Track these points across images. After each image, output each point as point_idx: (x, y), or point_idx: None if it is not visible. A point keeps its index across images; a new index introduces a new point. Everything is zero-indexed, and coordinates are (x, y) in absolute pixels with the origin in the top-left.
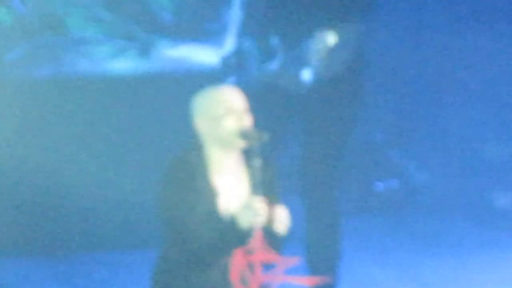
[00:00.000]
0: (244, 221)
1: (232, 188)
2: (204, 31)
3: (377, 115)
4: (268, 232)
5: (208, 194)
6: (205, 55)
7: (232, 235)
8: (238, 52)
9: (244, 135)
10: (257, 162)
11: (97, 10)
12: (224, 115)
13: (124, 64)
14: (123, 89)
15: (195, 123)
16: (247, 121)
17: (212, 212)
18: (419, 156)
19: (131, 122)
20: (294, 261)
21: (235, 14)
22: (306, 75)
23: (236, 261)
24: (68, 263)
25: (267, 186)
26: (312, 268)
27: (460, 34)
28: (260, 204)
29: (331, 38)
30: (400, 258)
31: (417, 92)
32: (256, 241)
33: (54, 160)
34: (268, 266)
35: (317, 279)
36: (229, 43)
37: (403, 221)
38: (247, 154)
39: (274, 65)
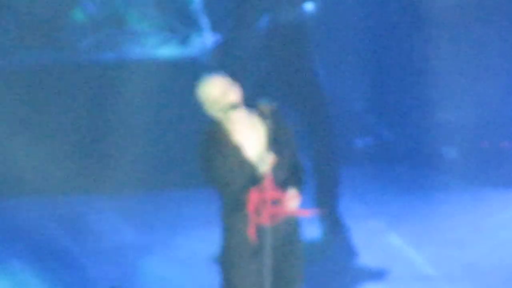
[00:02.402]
0: (257, 169)
1: (251, 143)
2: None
3: (357, 90)
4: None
5: (233, 150)
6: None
7: (250, 178)
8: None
9: (233, 106)
10: (267, 123)
11: (148, 9)
12: (212, 100)
13: (168, 51)
14: (168, 69)
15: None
16: (233, 95)
17: (236, 162)
18: (389, 120)
19: (174, 94)
20: (296, 197)
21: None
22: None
23: (252, 198)
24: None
25: (282, 143)
26: (319, 203)
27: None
28: (267, 157)
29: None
30: (373, 196)
31: (389, 71)
32: (267, 183)
33: (125, 121)
34: (275, 202)
35: (314, 212)
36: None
37: (376, 170)
38: (261, 117)
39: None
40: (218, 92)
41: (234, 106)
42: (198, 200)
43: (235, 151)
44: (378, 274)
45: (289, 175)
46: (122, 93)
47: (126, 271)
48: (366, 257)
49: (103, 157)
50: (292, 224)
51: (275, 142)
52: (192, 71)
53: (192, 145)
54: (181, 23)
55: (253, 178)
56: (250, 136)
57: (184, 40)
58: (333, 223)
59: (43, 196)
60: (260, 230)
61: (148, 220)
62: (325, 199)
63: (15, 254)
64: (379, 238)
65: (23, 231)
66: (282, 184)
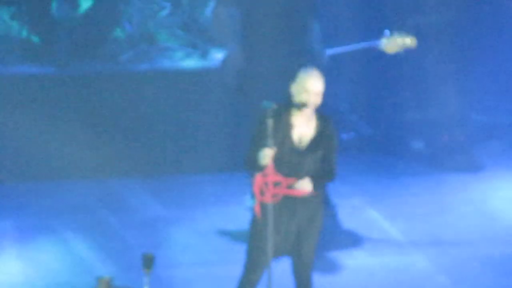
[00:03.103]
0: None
1: (302, 128)
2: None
3: (342, 93)
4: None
5: (286, 128)
6: None
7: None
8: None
9: (300, 106)
10: (318, 125)
11: (175, 30)
12: (303, 91)
13: (191, 63)
14: (191, 78)
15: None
16: (317, 99)
17: (286, 140)
18: (368, 118)
19: (195, 97)
20: (292, 180)
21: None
22: None
23: (257, 181)
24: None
25: (322, 146)
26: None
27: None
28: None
29: None
30: (356, 178)
31: (369, 76)
32: (269, 169)
33: (156, 119)
34: (276, 183)
35: (303, 191)
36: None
37: (358, 158)
38: (317, 119)
39: None
40: (317, 88)
41: (306, 104)
42: (216, 182)
43: (288, 129)
44: (359, 242)
45: (317, 173)
46: (154, 96)
47: (156, 240)
48: (350, 228)
49: (138, 147)
50: (314, 208)
51: (316, 143)
52: (210, 79)
53: (211, 138)
54: (201, 41)
55: (292, 157)
56: (302, 127)
57: (204, 54)
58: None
59: (90, 179)
60: (263, 207)
61: (174, 198)
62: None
63: (69, 226)
64: (360, 212)
65: (75, 208)
66: (310, 176)
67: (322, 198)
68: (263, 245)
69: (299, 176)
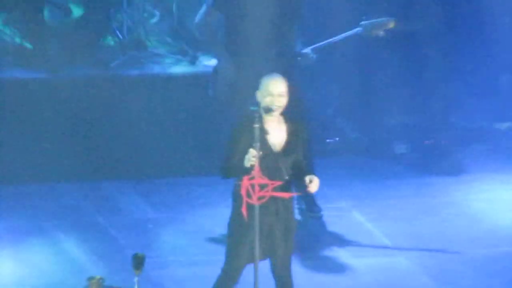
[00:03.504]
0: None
1: (274, 133)
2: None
3: (328, 99)
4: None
5: (261, 132)
6: None
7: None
8: None
9: (273, 110)
10: (289, 128)
11: (164, 37)
12: (266, 95)
13: (180, 69)
14: (179, 83)
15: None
16: (280, 102)
17: (263, 146)
18: (353, 122)
19: (184, 101)
20: (279, 183)
21: None
22: None
23: (244, 183)
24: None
25: (295, 148)
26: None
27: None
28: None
29: None
30: (341, 182)
31: (355, 82)
32: (255, 172)
33: (146, 123)
34: (263, 186)
35: (292, 193)
36: None
37: (343, 161)
38: (287, 122)
39: None
40: (279, 89)
41: (271, 107)
42: (204, 184)
43: (263, 135)
44: (344, 243)
45: (294, 171)
46: (144, 100)
47: (146, 241)
48: (336, 230)
49: (128, 150)
50: (292, 210)
51: (290, 146)
52: (198, 84)
53: (199, 142)
54: (190, 48)
55: (245, 169)
56: (275, 132)
57: (192, 61)
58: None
59: (82, 182)
60: (250, 208)
61: (164, 200)
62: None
63: (61, 228)
64: (346, 215)
65: (66, 209)
66: (289, 177)
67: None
68: (241, 247)
69: (279, 179)
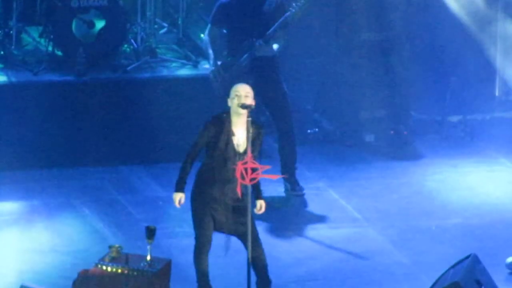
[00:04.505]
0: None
1: (239, 135)
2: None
3: (308, 96)
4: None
5: (227, 135)
6: None
7: (235, 156)
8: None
9: (243, 107)
10: (253, 128)
11: (172, 45)
12: (234, 96)
13: (185, 72)
14: (184, 84)
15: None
16: (247, 100)
17: (228, 144)
18: (329, 116)
19: (187, 99)
20: (267, 167)
21: None
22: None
23: (238, 167)
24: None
25: (255, 144)
26: (283, 170)
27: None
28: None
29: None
30: (319, 166)
31: (329, 81)
32: (248, 158)
33: (157, 118)
34: (254, 169)
35: (278, 175)
36: None
37: (320, 149)
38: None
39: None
40: (245, 90)
41: (246, 106)
42: None
43: (229, 135)
44: (322, 217)
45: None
46: (155, 98)
47: (157, 215)
48: (314, 206)
49: (142, 140)
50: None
51: (252, 146)
52: (201, 85)
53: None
54: (193, 54)
55: (231, 155)
56: (240, 134)
57: (195, 65)
58: (293, 183)
59: (104, 166)
60: (243, 187)
61: (172, 181)
62: (287, 168)
63: (86, 204)
64: (322, 193)
65: (91, 189)
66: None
67: None
68: (204, 219)
69: (234, 177)
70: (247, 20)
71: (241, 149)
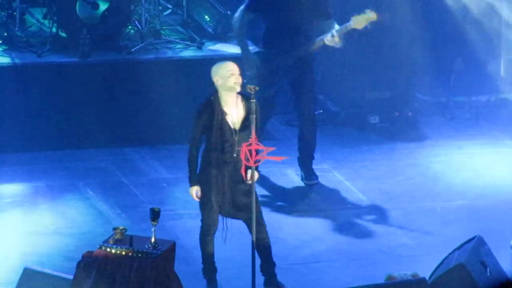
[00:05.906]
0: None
1: (232, 113)
2: (227, 37)
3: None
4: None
5: (220, 116)
6: (228, 49)
7: (231, 134)
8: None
9: (236, 84)
10: (247, 105)
11: (176, 27)
12: (230, 75)
13: (189, 53)
14: (189, 65)
15: (214, 79)
16: (239, 79)
17: (222, 125)
18: (334, 98)
19: (191, 79)
20: (272, 149)
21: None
22: None
23: (243, 149)
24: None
25: (251, 121)
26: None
27: None
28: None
29: None
30: (324, 148)
31: (335, 64)
32: (252, 140)
33: (162, 99)
34: (258, 151)
35: (282, 157)
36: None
37: (324, 130)
38: (245, 100)
39: None
40: (232, 68)
41: (236, 84)
42: None
43: (222, 115)
44: (326, 198)
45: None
46: (159, 79)
47: (161, 197)
48: (318, 188)
49: (146, 121)
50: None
51: (247, 121)
52: (203, 65)
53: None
54: (197, 36)
55: (228, 135)
56: (233, 112)
57: (199, 46)
58: (307, 172)
59: (108, 147)
60: (248, 168)
61: (176, 163)
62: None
63: (91, 186)
64: (327, 175)
65: (96, 171)
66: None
67: None
68: (210, 203)
69: (232, 153)
70: (290, 11)
71: (237, 126)
